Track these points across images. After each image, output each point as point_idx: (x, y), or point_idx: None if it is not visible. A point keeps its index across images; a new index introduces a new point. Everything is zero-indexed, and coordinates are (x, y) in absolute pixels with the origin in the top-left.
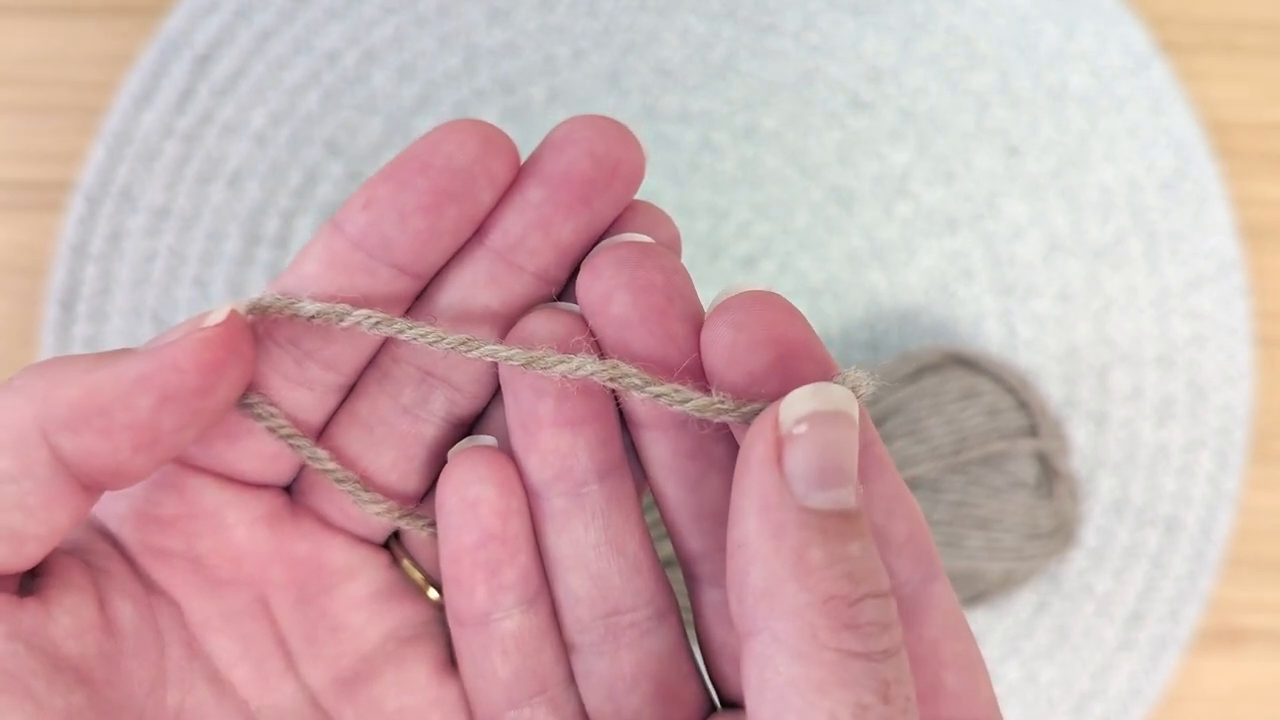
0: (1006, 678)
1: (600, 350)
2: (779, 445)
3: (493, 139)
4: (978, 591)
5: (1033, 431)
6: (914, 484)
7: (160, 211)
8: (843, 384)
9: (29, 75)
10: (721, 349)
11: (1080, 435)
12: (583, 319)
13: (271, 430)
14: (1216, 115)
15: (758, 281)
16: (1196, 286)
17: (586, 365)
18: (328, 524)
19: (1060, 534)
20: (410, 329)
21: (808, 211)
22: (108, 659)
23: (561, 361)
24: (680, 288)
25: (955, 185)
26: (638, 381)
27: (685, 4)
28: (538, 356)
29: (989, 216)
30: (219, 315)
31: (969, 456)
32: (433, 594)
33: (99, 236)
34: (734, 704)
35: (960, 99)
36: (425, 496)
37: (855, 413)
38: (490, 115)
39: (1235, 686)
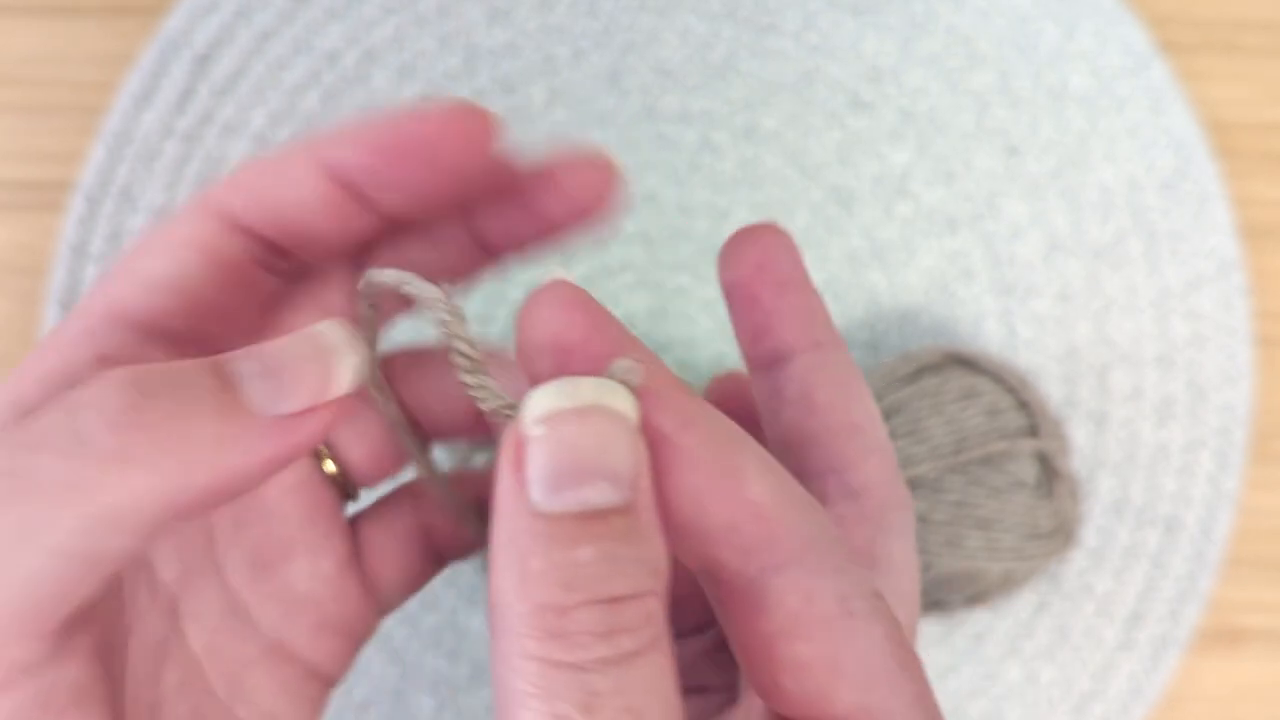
0: (1007, 677)
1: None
2: (519, 449)
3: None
4: (978, 591)
5: (1033, 431)
6: (914, 484)
7: (161, 211)
8: (610, 376)
9: (29, 75)
10: (519, 359)
11: (1080, 435)
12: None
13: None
14: (1217, 115)
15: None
16: (1196, 287)
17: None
18: None
19: (1060, 534)
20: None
21: (808, 211)
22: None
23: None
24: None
25: (955, 185)
26: (461, 360)
27: (685, 4)
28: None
29: (989, 217)
30: (344, 384)
31: (969, 456)
32: (330, 466)
33: (99, 237)
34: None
35: (960, 99)
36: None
37: (619, 404)
38: None
39: (1235, 686)
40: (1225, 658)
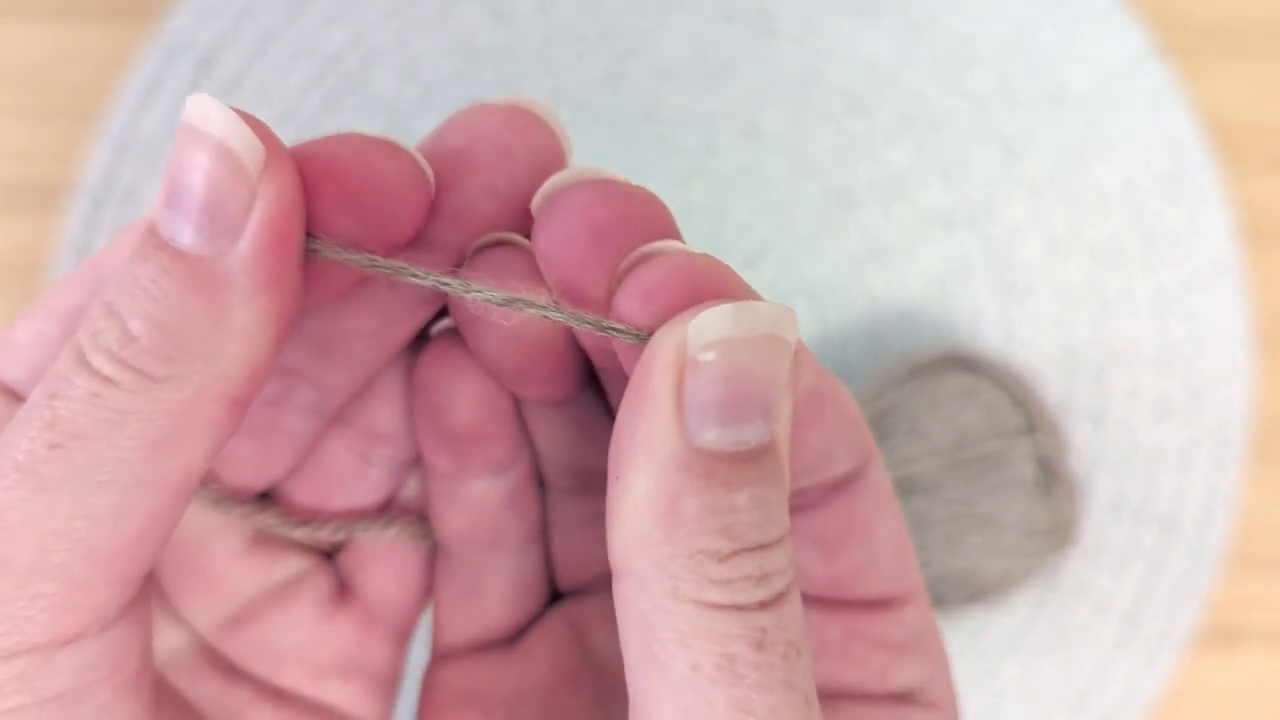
0: (1004, 675)
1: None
2: (680, 371)
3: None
4: (975, 590)
5: (1030, 431)
6: (912, 482)
7: None
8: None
9: (29, 77)
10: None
11: (1077, 435)
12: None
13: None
14: (1219, 117)
15: (755, 282)
16: (1193, 287)
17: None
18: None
19: (1058, 533)
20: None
21: (807, 213)
22: None
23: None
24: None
25: (953, 187)
26: (541, 307)
27: (686, 7)
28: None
29: (987, 218)
30: (256, 151)
31: (967, 455)
32: (299, 534)
33: (103, 237)
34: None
35: (958, 101)
36: (287, 478)
37: (789, 334)
38: None
39: (1233, 684)
40: (1223, 656)
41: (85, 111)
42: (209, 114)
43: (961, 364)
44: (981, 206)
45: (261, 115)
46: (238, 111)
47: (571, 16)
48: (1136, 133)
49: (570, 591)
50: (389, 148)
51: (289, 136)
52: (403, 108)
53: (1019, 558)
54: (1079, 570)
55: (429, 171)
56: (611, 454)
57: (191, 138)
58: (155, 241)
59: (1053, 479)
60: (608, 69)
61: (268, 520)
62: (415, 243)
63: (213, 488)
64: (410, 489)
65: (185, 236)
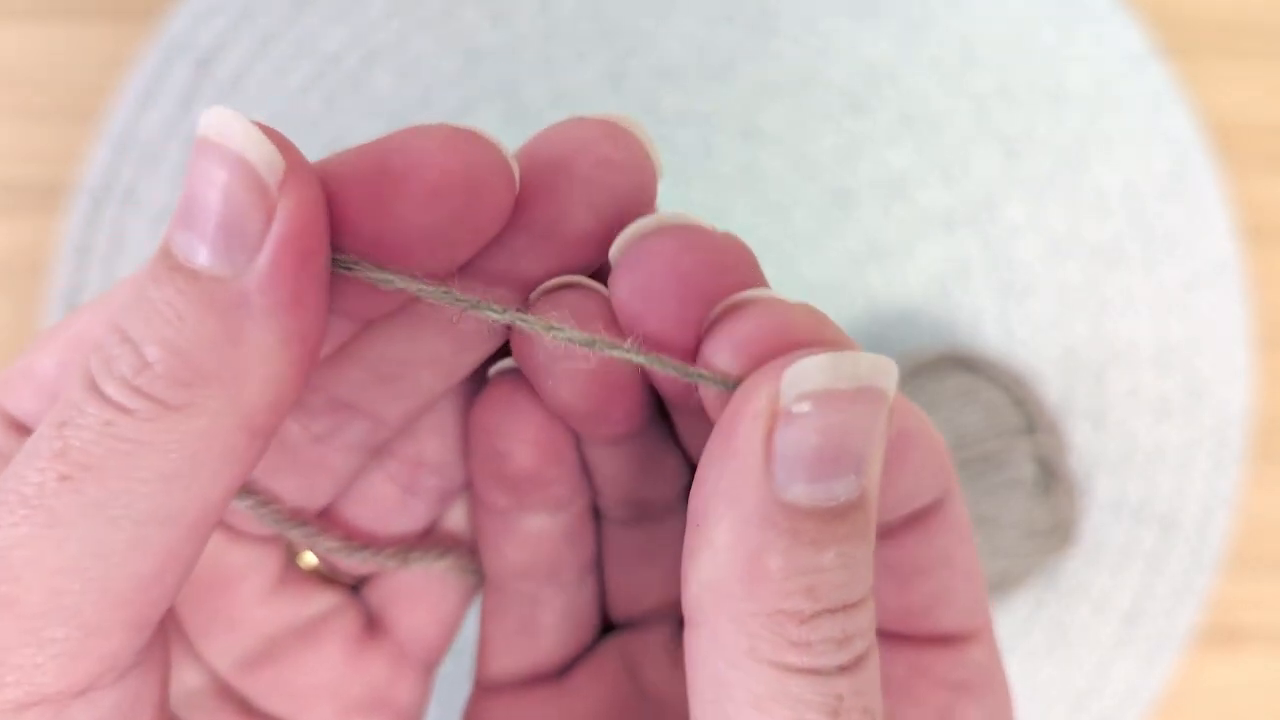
0: None
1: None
2: (771, 421)
3: None
4: None
5: (1030, 431)
6: None
7: (164, 212)
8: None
9: (29, 78)
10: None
11: (1077, 435)
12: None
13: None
14: (1219, 117)
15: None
16: (1193, 287)
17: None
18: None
19: (1058, 533)
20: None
21: (807, 213)
22: None
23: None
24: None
25: (953, 186)
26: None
27: (686, 7)
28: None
29: (987, 217)
30: (275, 164)
31: (967, 455)
32: (357, 559)
33: (103, 237)
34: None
35: (958, 101)
36: (325, 511)
37: (888, 385)
38: (491, 117)
39: (1233, 684)
40: (1223, 655)
41: (85, 111)
42: (226, 127)
43: (961, 364)
44: (981, 206)
45: (261, 116)
46: (256, 125)
47: (571, 16)
48: (1136, 133)
49: (622, 623)
50: (473, 137)
51: (289, 136)
52: (403, 108)
53: (1019, 558)
54: (1079, 570)
55: (514, 165)
56: (692, 500)
57: (208, 152)
58: (170, 263)
59: (1053, 479)
60: (608, 69)
61: (327, 543)
62: (502, 256)
63: (273, 508)
64: (453, 520)
65: (201, 256)
